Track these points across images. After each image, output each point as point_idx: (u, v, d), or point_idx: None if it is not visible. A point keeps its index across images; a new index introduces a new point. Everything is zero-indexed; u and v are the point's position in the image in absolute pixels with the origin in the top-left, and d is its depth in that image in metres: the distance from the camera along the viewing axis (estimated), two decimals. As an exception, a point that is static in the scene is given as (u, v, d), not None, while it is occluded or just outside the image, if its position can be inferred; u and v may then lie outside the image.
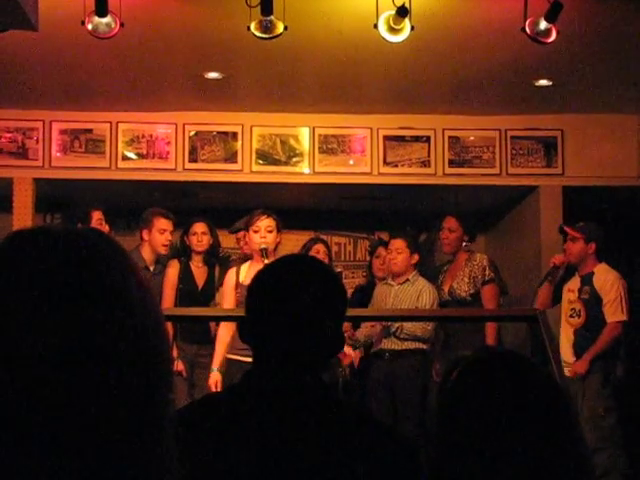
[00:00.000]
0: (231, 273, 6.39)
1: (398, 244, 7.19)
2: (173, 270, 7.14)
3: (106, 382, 0.95)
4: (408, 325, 6.87)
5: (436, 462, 1.88)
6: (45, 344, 0.93)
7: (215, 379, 6.24)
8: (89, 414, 0.94)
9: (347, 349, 7.17)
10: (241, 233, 6.80)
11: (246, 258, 6.60)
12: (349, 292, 9.29)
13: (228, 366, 6.24)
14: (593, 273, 6.73)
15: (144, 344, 1.01)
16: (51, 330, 0.94)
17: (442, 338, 7.22)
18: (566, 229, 6.88)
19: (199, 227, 7.19)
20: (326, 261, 6.62)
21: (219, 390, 6.09)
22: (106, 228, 6.72)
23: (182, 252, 7.31)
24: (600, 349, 6.52)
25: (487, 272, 7.10)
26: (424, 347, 7.03)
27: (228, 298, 6.32)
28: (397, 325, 6.87)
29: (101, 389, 0.95)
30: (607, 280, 6.67)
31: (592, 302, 6.64)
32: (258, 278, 2.21)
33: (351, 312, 5.81)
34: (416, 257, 7.21)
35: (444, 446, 1.86)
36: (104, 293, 0.99)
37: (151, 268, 7.07)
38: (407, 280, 7.16)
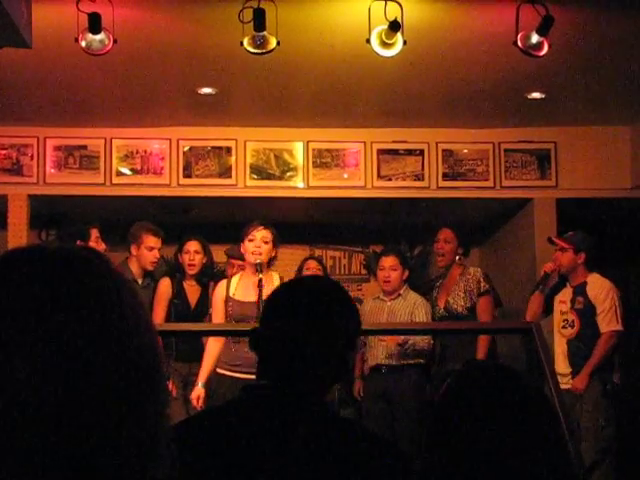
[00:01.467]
0: (221, 286, 6.30)
1: (391, 261, 7.18)
2: (164, 287, 7.09)
3: (100, 398, 0.96)
4: (417, 340, 6.88)
5: (425, 474, 1.89)
6: (39, 361, 0.93)
7: (198, 394, 6.13)
8: (82, 429, 0.94)
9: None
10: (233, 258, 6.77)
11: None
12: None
13: (218, 381, 6.19)
14: (586, 283, 6.73)
15: (138, 361, 1.01)
16: (45, 348, 0.94)
17: (439, 352, 7.22)
18: (555, 240, 6.89)
19: (192, 245, 7.14)
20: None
21: (201, 405, 6.07)
22: (102, 246, 6.72)
23: (175, 269, 7.29)
24: (598, 361, 6.52)
25: (482, 284, 7.08)
26: (422, 361, 7.03)
27: (217, 312, 6.21)
28: (410, 343, 6.88)
29: (95, 405, 0.95)
30: (601, 289, 6.66)
31: (586, 312, 6.64)
32: (280, 290, 2.28)
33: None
34: (407, 273, 7.23)
35: (432, 458, 1.87)
36: (98, 311, 0.99)
37: (139, 281, 7.06)
38: (399, 295, 7.17)
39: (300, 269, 7.62)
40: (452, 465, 1.81)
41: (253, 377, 2.19)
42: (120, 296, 1.03)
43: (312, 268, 7.50)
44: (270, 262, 6.11)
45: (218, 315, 6.18)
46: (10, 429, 0.92)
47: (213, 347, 6.19)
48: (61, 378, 0.94)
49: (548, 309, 6.89)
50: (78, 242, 6.39)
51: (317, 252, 9.67)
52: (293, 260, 8.29)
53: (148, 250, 7.03)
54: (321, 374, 2.14)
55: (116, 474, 0.96)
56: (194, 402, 6.12)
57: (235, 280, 6.24)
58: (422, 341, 6.91)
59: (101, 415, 0.95)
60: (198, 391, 6.16)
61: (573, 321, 6.70)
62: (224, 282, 6.31)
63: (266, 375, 2.16)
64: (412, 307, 7.08)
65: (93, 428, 0.95)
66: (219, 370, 6.16)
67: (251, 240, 6.04)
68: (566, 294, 6.82)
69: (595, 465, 6.29)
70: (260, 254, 6.00)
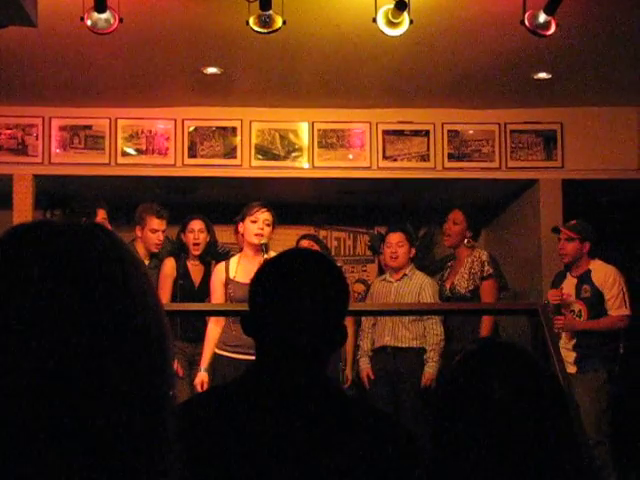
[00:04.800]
0: (219, 268, 6.31)
1: (398, 237, 7.19)
2: (169, 268, 7.10)
3: (106, 376, 0.95)
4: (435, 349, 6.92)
5: (434, 454, 1.88)
6: (44, 337, 0.93)
7: (201, 379, 6.16)
8: (89, 409, 0.94)
9: None
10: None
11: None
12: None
13: (215, 362, 6.19)
14: (590, 270, 6.71)
15: (145, 338, 1.00)
16: (50, 323, 0.94)
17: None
18: (562, 229, 6.86)
19: (196, 224, 7.14)
20: None
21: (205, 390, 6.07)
22: (108, 227, 6.71)
23: (179, 249, 7.29)
24: (597, 327, 6.53)
25: (486, 268, 7.08)
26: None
27: (217, 293, 6.23)
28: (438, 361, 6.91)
29: (101, 383, 0.95)
30: (607, 276, 6.65)
31: (594, 300, 6.62)
32: (262, 272, 2.22)
33: (355, 306, 5.86)
34: (413, 251, 7.23)
35: (442, 438, 1.87)
36: (104, 286, 0.99)
37: (146, 262, 7.05)
38: (405, 275, 7.16)
39: None
40: (464, 443, 1.81)
41: (253, 358, 2.18)
42: (125, 271, 1.03)
43: (305, 247, 7.42)
44: None
45: (218, 298, 6.18)
46: (16, 403, 0.92)
47: (214, 331, 6.20)
48: (66, 352, 0.94)
49: None
50: (84, 220, 6.39)
51: (322, 233, 9.67)
52: (298, 241, 8.29)
53: (152, 232, 7.04)
54: (319, 345, 2.12)
55: (122, 452, 0.96)
56: (198, 387, 6.13)
57: (234, 262, 6.23)
58: (437, 346, 6.94)
59: (106, 392, 0.95)
60: (201, 376, 6.17)
61: (580, 311, 6.68)
62: (222, 264, 6.30)
63: (265, 356, 2.15)
64: (419, 288, 7.08)
65: (98, 404, 0.94)
66: (218, 351, 6.17)
67: (254, 222, 6.05)
68: (569, 285, 6.79)
69: (597, 446, 6.30)
70: (262, 235, 6.01)
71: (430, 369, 6.90)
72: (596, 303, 6.62)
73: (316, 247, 7.35)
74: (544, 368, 1.94)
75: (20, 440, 0.91)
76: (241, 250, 6.41)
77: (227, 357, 6.07)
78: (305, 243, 7.46)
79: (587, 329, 6.55)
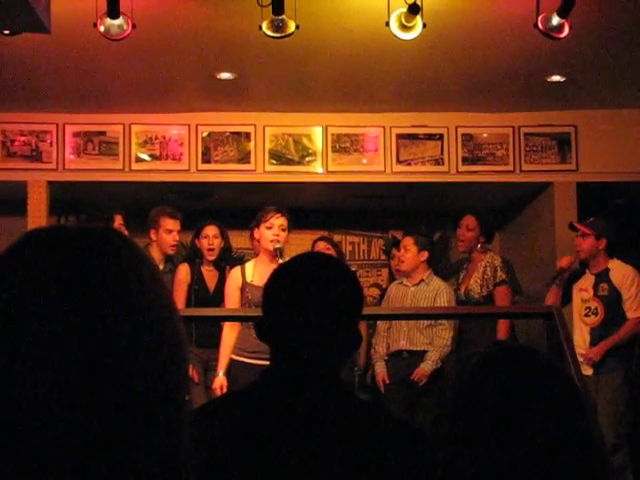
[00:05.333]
0: (235, 272, 6.28)
1: (406, 242, 7.18)
2: (183, 274, 7.10)
3: (121, 379, 0.95)
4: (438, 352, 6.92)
5: (449, 455, 1.87)
6: (59, 342, 0.93)
7: (220, 382, 6.11)
8: (104, 414, 0.94)
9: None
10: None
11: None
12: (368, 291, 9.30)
13: (234, 368, 6.18)
14: (608, 269, 6.70)
15: (160, 342, 1.00)
16: (66, 328, 0.94)
17: (456, 337, 7.21)
18: (576, 225, 6.86)
19: (210, 230, 7.15)
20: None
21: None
22: (125, 233, 6.71)
23: (194, 255, 7.29)
24: (618, 340, 6.50)
25: (499, 274, 7.07)
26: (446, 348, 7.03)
27: (232, 298, 6.21)
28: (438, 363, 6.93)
29: (117, 388, 0.95)
30: (626, 276, 6.64)
31: (611, 299, 6.60)
32: (275, 277, 2.20)
33: (369, 310, 5.85)
34: (425, 254, 7.12)
35: (458, 439, 1.86)
36: (119, 290, 0.99)
37: (160, 267, 7.06)
38: (422, 280, 7.12)
39: None
40: (481, 445, 1.80)
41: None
42: (140, 275, 1.02)
43: (321, 249, 7.43)
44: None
45: (232, 302, 6.17)
46: (33, 405, 0.92)
47: (229, 335, 6.19)
48: (82, 356, 0.94)
49: (565, 298, 6.83)
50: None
51: (336, 237, 9.66)
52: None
53: (167, 233, 7.04)
54: (334, 349, 2.12)
55: (136, 455, 0.96)
56: (217, 392, 6.11)
57: (250, 266, 6.22)
58: (441, 350, 6.93)
59: (121, 395, 0.95)
60: (220, 380, 6.15)
61: (596, 308, 6.66)
62: (238, 269, 6.29)
63: (280, 361, 2.14)
64: (435, 294, 7.05)
65: (114, 408, 0.94)
66: (236, 357, 6.15)
67: (269, 227, 6.05)
68: (587, 281, 6.78)
69: (615, 449, 6.27)
70: (279, 242, 6.02)
71: (425, 366, 6.86)
72: (613, 302, 6.60)
73: (331, 250, 7.36)
74: (562, 371, 1.93)
75: (35, 442, 0.91)
76: (257, 256, 6.40)
77: (245, 363, 6.05)
78: (321, 245, 7.47)
79: (611, 346, 6.51)
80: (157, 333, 1.00)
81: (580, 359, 6.08)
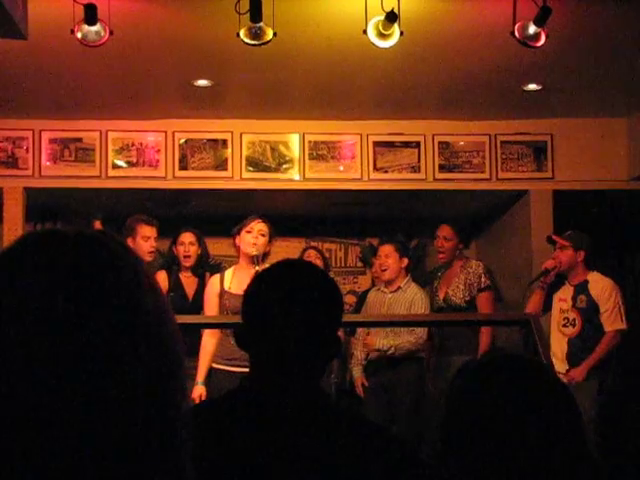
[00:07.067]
0: (214, 280, 6.30)
1: (387, 250, 7.19)
2: (161, 281, 7.09)
3: (120, 384, 0.96)
4: (401, 343, 6.87)
5: (441, 462, 1.87)
6: (57, 346, 0.94)
7: (199, 392, 6.09)
8: (101, 418, 0.94)
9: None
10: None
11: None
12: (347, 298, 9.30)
13: (214, 376, 6.16)
14: (587, 281, 6.72)
15: (158, 344, 1.01)
16: (63, 332, 0.94)
17: (437, 344, 7.22)
18: (554, 238, 6.89)
19: (187, 237, 7.15)
20: (320, 266, 6.58)
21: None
22: None
23: (171, 262, 7.28)
24: (599, 358, 6.51)
25: (483, 280, 7.11)
26: (421, 355, 7.03)
27: (210, 306, 6.21)
28: (391, 348, 6.87)
29: (115, 391, 0.95)
30: (604, 289, 6.65)
31: (589, 311, 6.62)
32: (254, 284, 2.20)
33: (347, 318, 5.85)
34: (405, 261, 7.17)
35: (450, 446, 1.86)
36: (117, 294, 1.00)
37: None
38: (399, 288, 7.13)
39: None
40: (474, 452, 1.80)
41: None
42: (138, 277, 1.04)
43: (312, 257, 7.55)
44: (264, 256, 6.11)
45: (212, 310, 6.17)
46: (32, 409, 0.92)
47: (209, 344, 6.17)
48: (80, 358, 0.94)
49: (546, 306, 6.86)
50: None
51: (313, 244, 9.66)
52: (289, 253, 8.30)
53: (144, 240, 7.02)
54: (312, 357, 2.11)
55: (134, 458, 0.96)
56: (196, 401, 6.08)
57: (229, 273, 6.23)
58: (408, 342, 6.89)
59: (119, 397, 0.96)
60: (199, 390, 6.12)
61: (574, 319, 6.68)
62: (217, 276, 6.30)
63: (259, 368, 2.14)
64: (410, 302, 7.06)
65: (112, 410, 0.95)
66: (215, 365, 6.14)
67: (248, 232, 6.08)
68: (566, 292, 6.80)
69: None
70: (256, 245, 6.02)
71: (386, 342, 6.88)
72: (591, 314, 6.62)
73: (319, 260, 7.43)
74: (556, 379, 1.94)
75: (35, 440, 0.92)
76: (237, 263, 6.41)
77: (224, 370, 6.04)
78: (312, 253, 7.52)
79: (592, 365, 6.51)
80: (155, 336, 1.01)
81: (563, 378, 6.10)
